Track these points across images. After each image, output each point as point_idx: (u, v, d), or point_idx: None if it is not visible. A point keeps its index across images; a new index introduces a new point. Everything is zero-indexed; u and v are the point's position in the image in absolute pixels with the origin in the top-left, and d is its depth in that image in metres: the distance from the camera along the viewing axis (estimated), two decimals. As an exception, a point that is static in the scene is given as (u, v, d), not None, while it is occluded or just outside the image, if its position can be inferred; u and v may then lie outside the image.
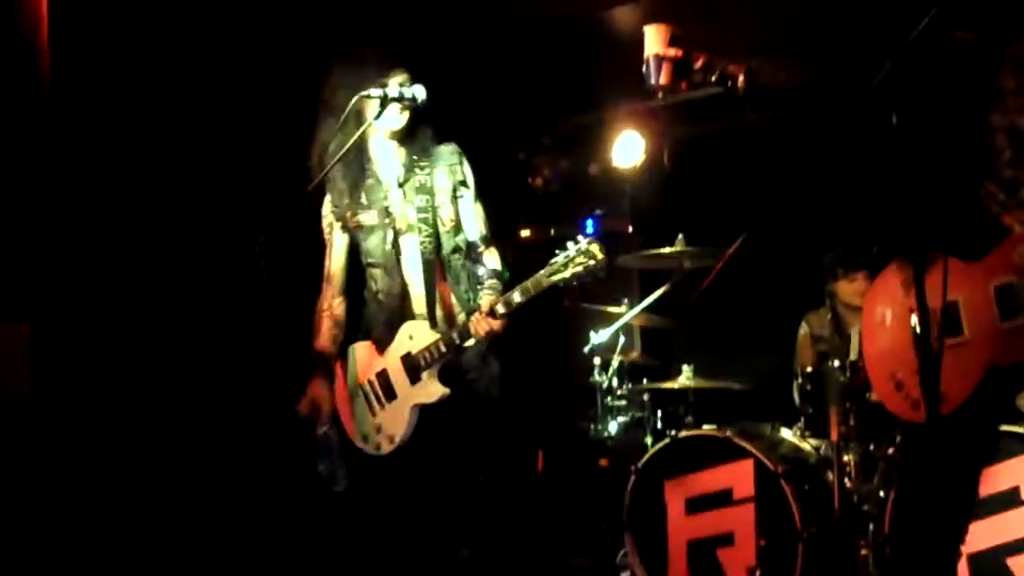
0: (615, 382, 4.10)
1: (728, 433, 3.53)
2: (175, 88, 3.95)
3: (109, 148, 3.78)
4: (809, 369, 3.70)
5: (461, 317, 2.88)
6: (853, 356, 3.47)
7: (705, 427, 3.69)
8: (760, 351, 4.35)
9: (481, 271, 2.96)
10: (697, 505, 3.54)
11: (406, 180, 2.93)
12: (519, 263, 3.10)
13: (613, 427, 4.05)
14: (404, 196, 2.92)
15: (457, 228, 2.95)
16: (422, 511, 2.93)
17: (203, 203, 4.03)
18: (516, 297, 2.72)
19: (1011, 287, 2.22)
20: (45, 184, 3.61)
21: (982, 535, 2.85)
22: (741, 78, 2.54)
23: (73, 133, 3.67)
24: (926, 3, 2.08)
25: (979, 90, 2.27)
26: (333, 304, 3.03)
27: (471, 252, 2.97)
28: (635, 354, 4.32)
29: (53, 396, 3.53)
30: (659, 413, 4.03)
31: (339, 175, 2.92)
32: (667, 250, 3.86)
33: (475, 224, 2.97)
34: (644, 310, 4.05)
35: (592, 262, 2.61)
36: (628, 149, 4.70)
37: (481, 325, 2.75)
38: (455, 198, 2.93)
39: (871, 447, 3.40)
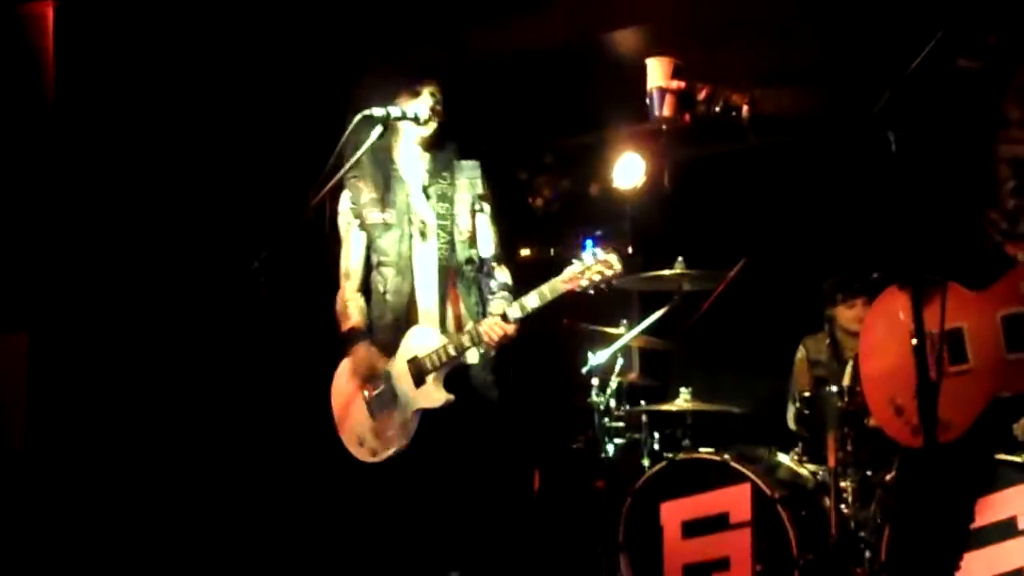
0: (613, 403, 4.09)
1: (725, 457, 3.52)
2: (177, 103, 3.98)
3: (110, 161, 3.80)
4: (806, 393, 3.70)
5: (469, 324, 2.88)
6: (846, 381, 3.46)
7: (702, 450, 3.67)
8: (758, 375, 4.34)
9: (492, 284, 3.00)
10: (693, 529, 3.52)
11: (429, 186, 2.96)
12: (518, 282, 3.11)
13: (610, 448, 4.04)
14: (425, 199, 2.95)
15: (472, 240, 2.98)
16: (413, 527, 2.91)
17: (204, 217, 4.04)
18: (531, 302, 2.74)
19: (1019, 318, 2.21)
20: (46, 196, 3.62)
21: (978, 565, 2.84)
22: (745, 108, 2.54)
23: (74, 145, 3.68)
24: (930, 31, 2.09)
25: (983, 119, 2.28)
26: (355, 297, 3.03)
27: (483, 266, 3.00)
28: (634, 375, 4.31)
29: (51, 406, 3.52)
30: (656, 435, 4.02)
31: (363, 172, 2.94)
32: (667, 272, 3.86)
33: (489, 241, 3.02)
34: (643, 331, 4.04)
35: (609, 271, 2.66)
36: (629, 170, 4.71)
37: (494, 330, 2.76)
38: (473, 211, 2.98)
39: (868, 473, 3.40)
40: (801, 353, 4.23)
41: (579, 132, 4.99)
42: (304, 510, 4.15)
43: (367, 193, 2.96)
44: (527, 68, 4.36)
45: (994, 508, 2.89)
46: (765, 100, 2.57)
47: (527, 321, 2.80)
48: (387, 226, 2.93)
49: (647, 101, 2.67)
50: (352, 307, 3.01)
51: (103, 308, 3.71)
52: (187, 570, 3.78)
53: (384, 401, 2.90)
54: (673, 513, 3.57)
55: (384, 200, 2.94)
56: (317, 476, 4.16)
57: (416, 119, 2.87)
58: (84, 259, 3.68)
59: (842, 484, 3.39)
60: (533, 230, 5.07)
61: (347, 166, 2.82)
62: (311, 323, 4.25)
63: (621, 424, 4.08)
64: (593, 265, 2.68)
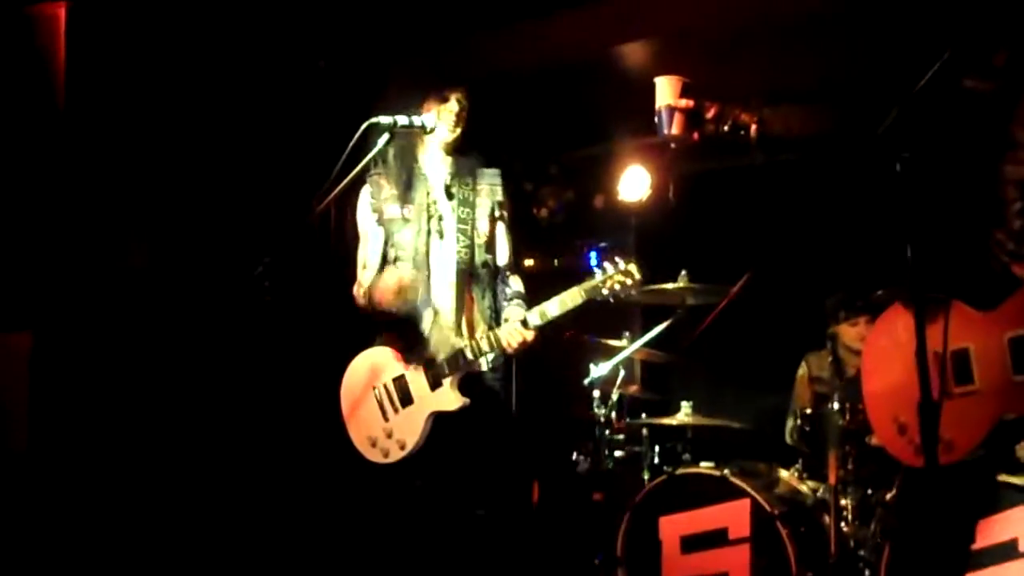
0: (614, 416, 4.08)
1: (725, 472, 3.51)
2: (187, 106, 3.99)
3: (118, 162, 3.80)
4: (807, 410, 3.69)
5: (481, 328, 2.89)
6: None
7: (702, 465, 3.66)
8: (760, 390, 4.34)
9: (507, 291, 3.02)
10: (692, 544, 3.51)
11: (451, 186, 3.00)
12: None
13: (610, 461, 4.03)
14: (447, 199, 2.98)
15: (489, 245, 3.01)
16: (417, 535, 2.90)
17: (209, 221, 4.04)
18: (552, 309, 2.76)
19: None
20: (51, 196, 3.63)
21: (980, 587, 2.82)
22: (754, 128, 2.55)
23: (83, 147, 3.69)
24: (938, 51, 2.10)
25: (990, 140, 2.29)
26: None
27: (498, 273, 3.03)
28: (635, 388, 4.31)
29: (53, 407, 3.52)
30: (657, 449, 4.01)
31: (385, 169, 2.97)
32: (670, 286, 3.86)
33: (506, 248, 3.06)
34: (645, 344, 4.04)
35: (629, 281, 2.68)
36: (634, 183, 4.73)
37: (514, 336, 2.77)
38: (492, 218, 3.01)
39: (869, 491, 3.39)
40: (803, 370, 4.23)
41: (585, 144, 5.01)
42: (306, 512, 4.15)
43: (388, 189, 2.99)
44: (534, 80, 4.38)
45: (995, 529, 2.87)
46: (773, 120, 2.57)
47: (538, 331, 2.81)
48: (405, 221, 2.95)
49: (655, 119, 2.68)
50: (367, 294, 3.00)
51: (107, 309, 3.71)
52: (190, 572, 3.78)
53: (398, 402, 2.89)
54: (672, 528, 3.55)
55: (404, 197, 2.97)
56: (320, 479, 4.16)
57: (423, 128, 2.88)
58: (89, 260, 3.69)
59: (842, 502, 3.38)
60: (537, 241, 5.07)
61: (352, 174, 2.83)
62: (315, 327, 4.28)
63: (621, 437, 4.07)
64: (614, 275, 2.70)
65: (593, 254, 4.89)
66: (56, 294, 3.59)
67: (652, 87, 2.73)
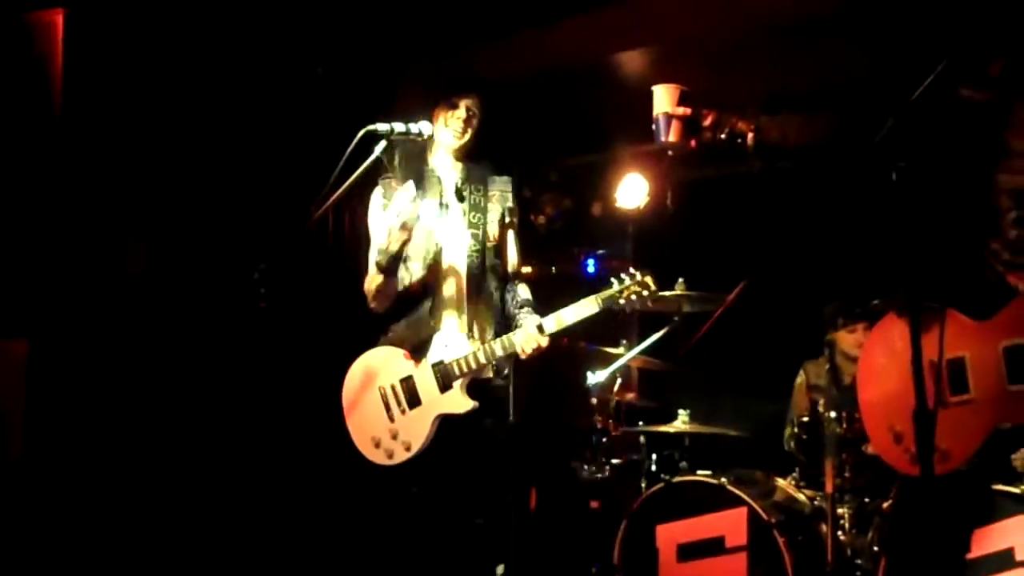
0: (611, 423, 4.08)
1: (722, 480, 3.51)
2: (181, 114, 3.99)
3: (115, 169, 3.81)
4: (805, 418, 3.69)
5: (488, 332, 2.88)
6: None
7: (700, 473, 3.66)
8: (757, 398, 4.33)
9: (515, 298, 3.03)
10: (689, 552, 3.50)
11: (462, 189, 3.01)
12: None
13: (607, 468, 4.02)
14: (458, 201, 3.00)
15: (497, 250, 3.01)
16: (414, 541, 2.89)
17: (205, 227, 4.05)
18: (568, 317, 2.76)
19: (1021, 349, 2.21)
20: (48, 202, 3.63)
21: (976, 595, 2.82)
22: (751, 136, 2.56)
23: (80, 153, 3.69)
24: (934, 61, 2.11)
25: (985, 149, 2.29)
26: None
27: (505, 279, 3.04)
28: (632, 396, 4.30)
29: (50, 413, 3.52)
30: (654, 456, 4.00)
31: (395, 172, 2.99)
32: (667, 293, 3.86)
33: (514, 255, 3.06)
34: (643, 352, 4.04)
35: (645, 292, 2.73)
36: (632, 191, 4.73)
37: (530, 342, 2.78)
38: (502, 223, 3.02)
39: (866, 500, 3.38)
40: (801, 378, 4.22)
41: (583, 151, 5.01)
42: (303, 516, 4.15)
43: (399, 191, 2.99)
44: (533, 87, 4.39)
45: (992, 539, 2.86)
46: (770, 128, 2.58)
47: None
48: (417, 219, 2.94)
49: (653, 126, 2.69)
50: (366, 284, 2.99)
51: (103, 316, 3.71)
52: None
53: (405, 403, 2.88)
54: (669, 536, 3.55)
55: (419, 194, 2.96)
56: (317, 484, 4.15)
57: (420, 135, 2.89)
58: (85, 266, 3.69)
59: (839, 511, 3.37)
60: (535, 247, 5.08)
61: (348, 182, 2.83)
62: (311, 333, 4.27)
63: (618, 445, 4.07)
64: (630, 285, 2.74)
65: (591, 261, 4.90)
66: (53, 301, 3.59)
67: (650, 95, 2.75)
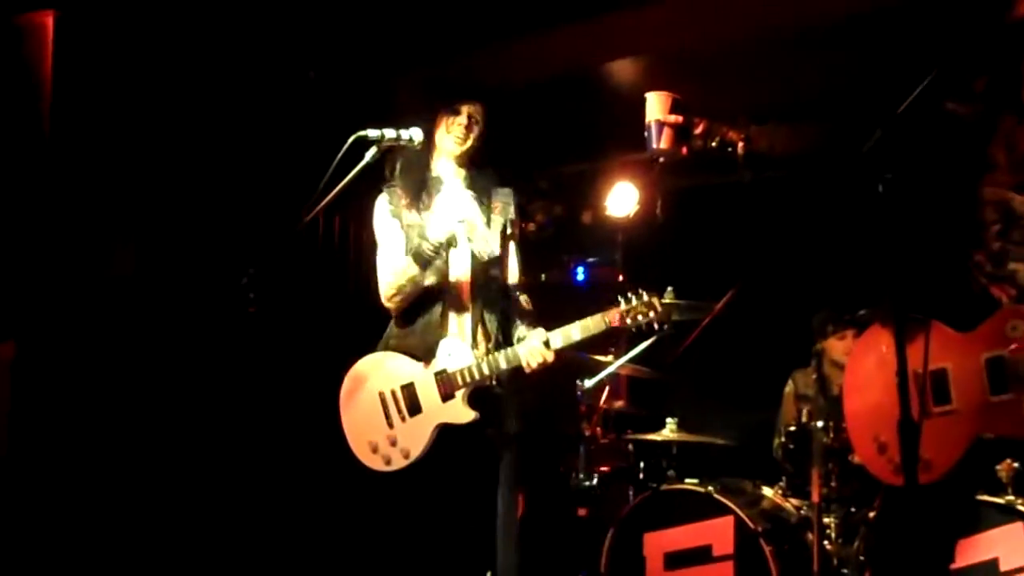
0: (599, 431, 4.08)
1: (709, 488, 3.52)
2: (171, 118, 3.99)
3: (103, 172, 3.80)
4: (792, 428, 3.70)
5: (491, 344, 2.88)
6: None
7: (687, 481, 3.67)
8: (745, 407, 4.34)
9: (517, 310, 3.02)
10: (676, 560, 3.51)
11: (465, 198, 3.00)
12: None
13: (595, 476, 4.03)
14: (462, 209, 2.98)
15: (498, 260, 3.00)
16: (407, 546, 2.89)
17: (194, 230, 4.04)
18: (575, 333, 2.77)
19: (1002, 360, 2.23)
20: (36, 205, 3.62)
21: (961, 606, 2.83)
22: (741, 145, 2.58)
23: (69, 156, 3.69)
24: (920, 75, 2.13)
25: (970, 162, 2.31)
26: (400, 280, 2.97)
27: (507, 290, 3.03)
28: (621, 404, 4.31)
29: (35, 415, 3.51)
30: (642, 464, 4.01)
31: (399, 180, 2.98)
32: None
33: (515, 267, 3.06)
34: (631, 360, 4.05)
35: (652, 313, 2.74)
36: (622, 199, 4.75)
37: (536, 356, 2.77)
38: (505, 235, 3.01)
39: (852, 510, 3.39)
40: (790, 387, 4.24)
41: (573, 160, 5.03)
42: (292, 521, 4.14)
43: (404, 198, 2.99)
44: (523, 96, 4.40)
45: (977, 549, 2.87)
46: (760, 138, 2.60)
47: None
48: (423, 227, 2.95)
49: (645, 134, 2.70)
50: (395, 280, 2.95)
51: (91, 318, 3.70)
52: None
53: (405, 410, 2.88)
54: (656, 544, 3.55)
55: (420, 204, 2.97)
56: (307, 490, 4.14)
57: (410, 141, 2.88)
58: (73, 269, 3.68)
59: (826, 520, 3.38)
60: (525, 255, 5.09)
61: (338, 187, 2.83)
62: (300, 338, 4.27)
63: (607, 452, 4.07)
64: (637, 305, 2.74)
65: (580, 269, 4.91)
66: (40, 303, 3.58)
67: (641, 105, 2.76)
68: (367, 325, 3.13)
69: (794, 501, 3.60)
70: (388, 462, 2.86)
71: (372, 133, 2.81)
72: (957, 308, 2.30)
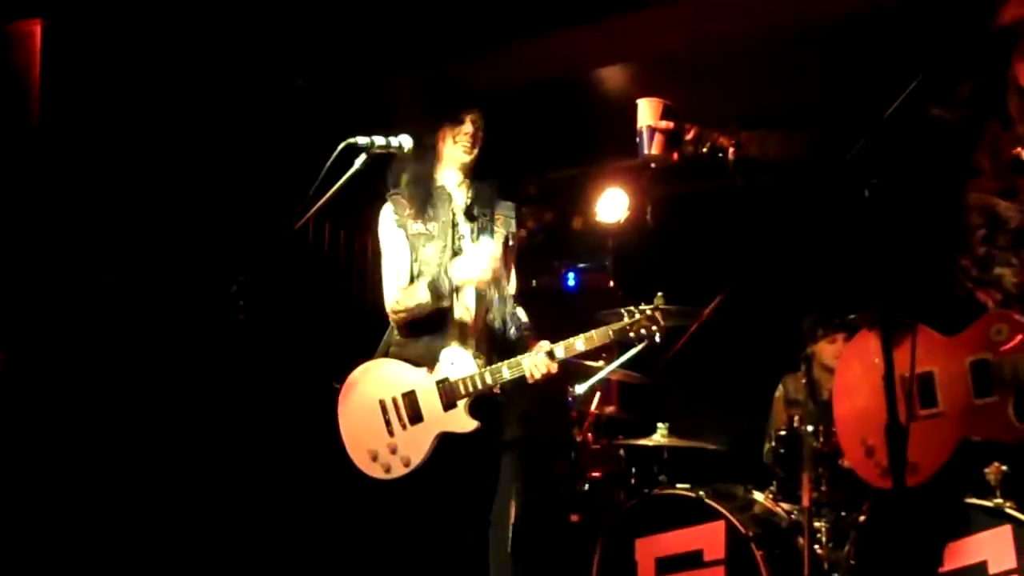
0: (590, 436, 4.09)
1: (700, 493, 3.52)
2: (159, 126, 3.98)
3: (93, 180, 3.79)
4: (782, 432, 3.71)
5: (492, 354, 2.88)
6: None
7: (678, 486, 3.67)
8: (736, 411, 4.35)
9: (516, 321, 3.02)
10: (667, 565, 3.51)
11: (471, 207, 3.01)
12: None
13: (586, 482, 4.03)
14: (466, 220, 3.00)
15: (499, 270, 2.99)
16: (404, 555, 2.88)
17: (182, 239, 4.03)
18: (579, 345, 2.77)
19: (986, 364, 2.24)
20: (23, 213, 3.61)
21: (951, 609, 2.84)
22: (731, 151, 2.59)
23: (58, 164, 3.68)
24: (905, 81, 2.14)
25: (955, 167, 2.33)
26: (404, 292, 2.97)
27: (506, 301, 3.03)
28: (612, 409, 4.32)
29: (22, 426, 3.49)
30: (633, 470, 4.01)
31: (404, 190, 2.99)
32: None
33: (514, 278, 3.08)
34: (622, 366, 4.05)
35: (655, 326, 2.76)
36: (612, 205, 4.76)
37: (539, 367, 2.77)
38: (506, 246, 3.02)
39: (843, 514, 3.40)
40: (780, 391, 4.25)
41: (564, 165, 5.04)
42: (287, 528, 4.12)
43: (409, 207, 2.99)
44: (512, 101, 4.41)
45: (966, 552, 2.89)
46: (750, 143, 2.61)
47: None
48: (430, 237, 2.95)
49: (637, 139, 2.71)
50: (404, 299, 2.95)
51: (79, 328, 3.69)
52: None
53: (406, 418, 2.87)
54: (648, 549, 3.55)
55: (426, 214, 2.97)
56: (300, 498, 4.13)
57: (400, 148, 2.88)
58: (61, 278, 3.67)
59: (816, 524, 3.39)
60: (515, 261, 5.10)
61: (329, 194, 2.83)
62: (290, 346, 4.26)
63: (598, 458, 4.08)
64: (640, 319, 2.75)
65: (571, 275, 4.92)
66: (27, 313, 3.56)
67: (631, 111, 2.77)
68: (357, 331, 3.12)
69: (785, 505, 3.61)
70: (388, 470, 2.85)
71: (362, 140, 2.81)
72: (943, 312, 2.31)
